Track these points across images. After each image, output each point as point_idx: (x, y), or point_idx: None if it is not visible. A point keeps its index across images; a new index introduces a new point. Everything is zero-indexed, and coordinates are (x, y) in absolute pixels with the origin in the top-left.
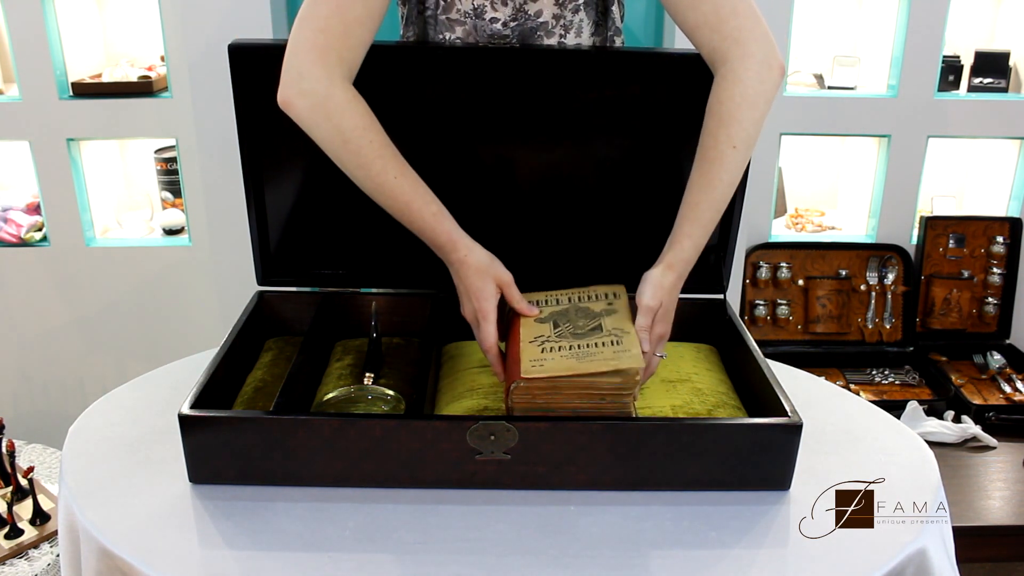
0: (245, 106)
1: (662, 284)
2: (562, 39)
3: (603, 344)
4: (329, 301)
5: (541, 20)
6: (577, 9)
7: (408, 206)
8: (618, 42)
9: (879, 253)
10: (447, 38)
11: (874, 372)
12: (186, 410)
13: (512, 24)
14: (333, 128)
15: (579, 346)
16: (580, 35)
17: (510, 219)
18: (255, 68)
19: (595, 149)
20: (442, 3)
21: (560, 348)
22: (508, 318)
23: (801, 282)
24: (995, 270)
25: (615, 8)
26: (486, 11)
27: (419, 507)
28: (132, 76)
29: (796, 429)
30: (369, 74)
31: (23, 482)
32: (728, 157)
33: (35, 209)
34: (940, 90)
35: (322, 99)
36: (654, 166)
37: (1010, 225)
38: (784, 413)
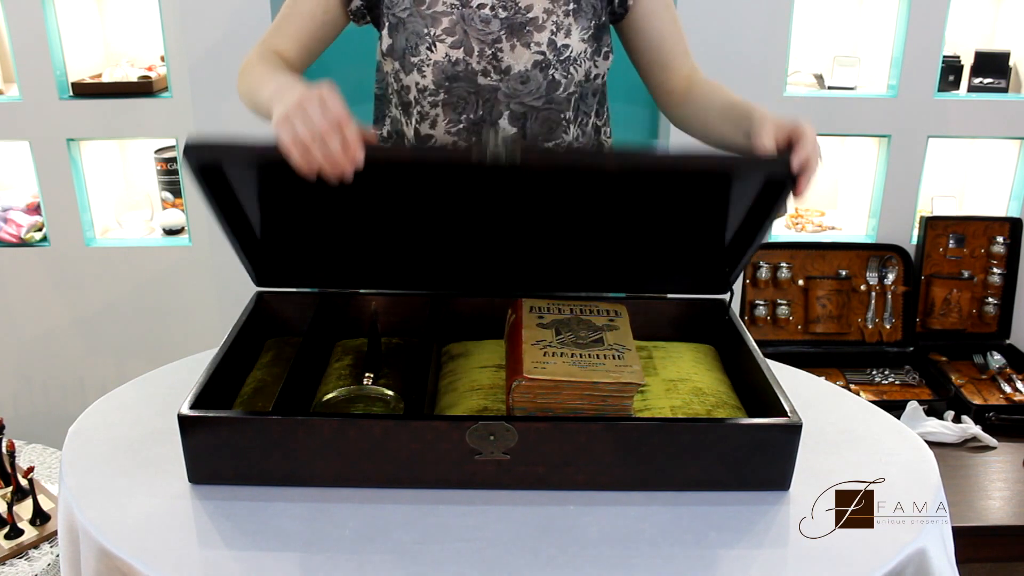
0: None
1: (764, 112)
2: (553, 36)
3: (605, 357)
4: (329, 301)
5: (531, 15)
6: (568, 13)
7: (264, 79)
8: (610, 59)
9: (879, 253)
10: (431, 34)
11: (874, 372)
12: (186, 410)
13: (502, 15)
14: (240, 73)
15: (581, 355)
16: (569, 37)
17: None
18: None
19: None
20: None
21: (562, 354)
22: (509, 322)
23: (801, 282)
24: (995, 270)
25: (607, 34)
26: None
27: (419, 507)
28: (132, 76)
29: (796, 429)
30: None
31: (23, 482)
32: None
33: (35, 209)
34: (940, 90)
35: (241, 67)
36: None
37: (1010, 225)
38: (784, 413)
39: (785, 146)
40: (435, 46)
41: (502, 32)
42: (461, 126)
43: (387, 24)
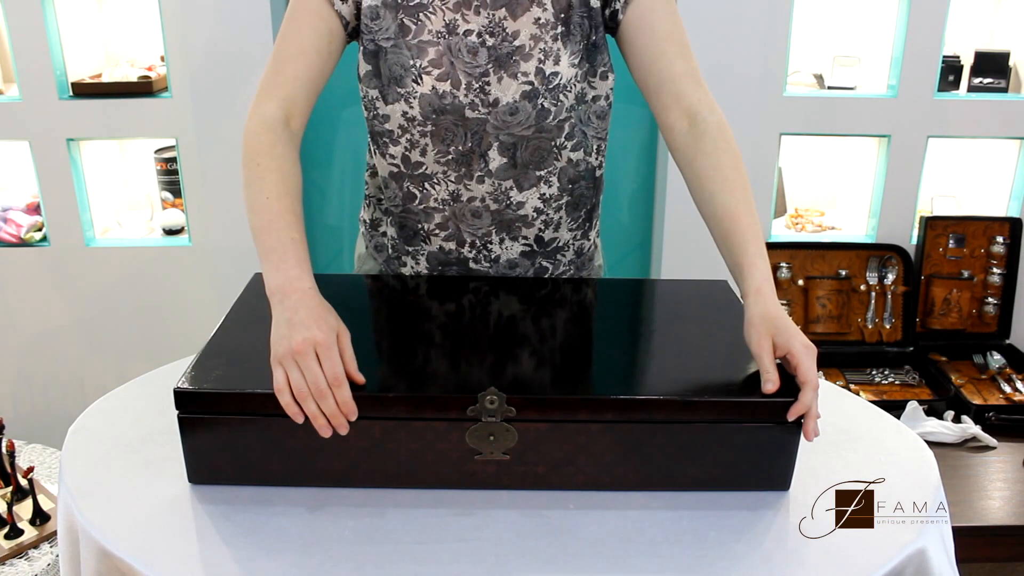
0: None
1: (764, 318)
2: (541, 64)
3: None
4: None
5: (517, 43)
6: (556, 38)
7: (270, 224)
8: (611, 79)
9: (879, 253)
10: (417, 66)
11: (874, 372)
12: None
13: (489, 42)
14: (243, 151)
15: None
16: (559, 64)
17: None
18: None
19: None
20: (412, 27)
21: None
22: None
23: (801, 282)
24: (995, 270)
25: (605, 53)
26: (458, 25)
27: (419, 507)
28: (132, 76)
29: (796, 429)
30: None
31: (23, 482)
32: (749, 188)
33: (35, 209)
34: (940, 90)
35: (245, 129)
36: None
37: (1010, 225)
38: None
39: (782, 357)
40: (421, 78)
41: (489, 65)
42: (450, 156)
43: (363, 48)
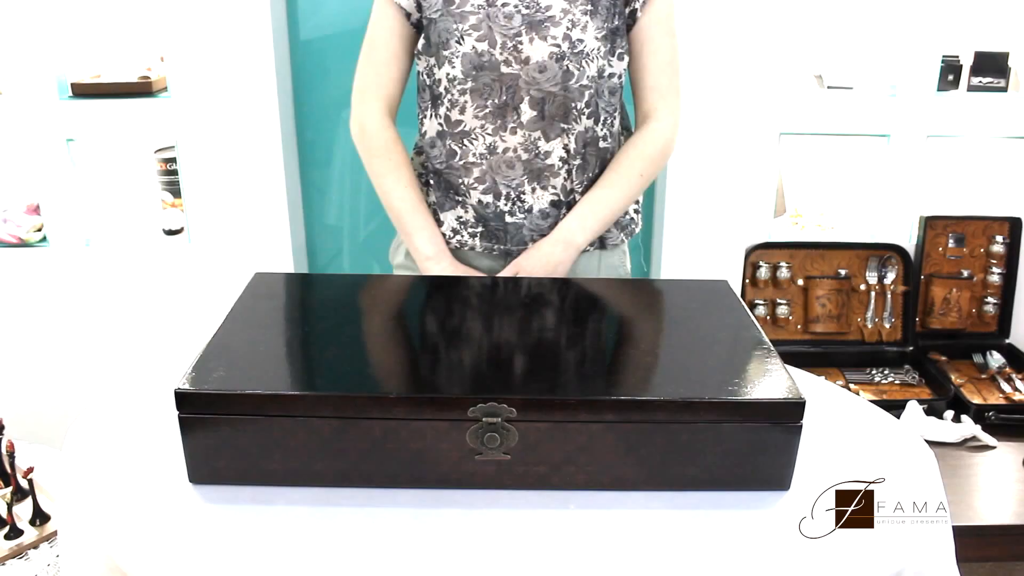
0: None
1: (534, 256)
2: (568, 31)
3: None
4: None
5: (549, 14)
6: (585, 12)
7: (414, 207)
8: (626, 60)
9: (879, 253)
10: (459, 29)
11: (874, 372)
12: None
13: (524, 11)
14: (364, 149)
15: None
16: (585, 32)
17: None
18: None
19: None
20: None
21: None
22: None
23: (801, 282)
24: (995, 270)
25: (623, 38)
26: None
27: (419, 507)
28: (132, 76)
29: (796, 429)
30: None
31: (23, 482)
32: (636, 180)
33: (35, 209)
34: (940, 90)
35: (359, 129)
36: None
37: (1010, 225)
38: None
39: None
40: (463, 39)
41: (522, 27)
42: (487, 110)
43: (424, 25)
